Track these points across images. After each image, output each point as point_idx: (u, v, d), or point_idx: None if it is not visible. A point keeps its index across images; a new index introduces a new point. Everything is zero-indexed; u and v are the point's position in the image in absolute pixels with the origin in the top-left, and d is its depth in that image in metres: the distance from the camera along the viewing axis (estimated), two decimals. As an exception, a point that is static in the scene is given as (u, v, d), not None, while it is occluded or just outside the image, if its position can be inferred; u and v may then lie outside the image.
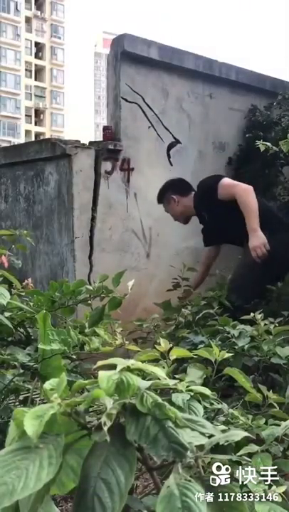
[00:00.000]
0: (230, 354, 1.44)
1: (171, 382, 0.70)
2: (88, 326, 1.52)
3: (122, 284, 1.64)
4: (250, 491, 0.92)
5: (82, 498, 0.54)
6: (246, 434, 0.74)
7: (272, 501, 0.90)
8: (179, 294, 2.99)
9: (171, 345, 1.24)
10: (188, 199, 3.15)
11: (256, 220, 2.79)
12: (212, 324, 2.15)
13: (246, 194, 2.84)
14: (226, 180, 2.97)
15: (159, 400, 0.59)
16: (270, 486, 0.94)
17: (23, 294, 1.75)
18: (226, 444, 0.73)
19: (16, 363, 1.40)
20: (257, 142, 2.54)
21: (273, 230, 2.81)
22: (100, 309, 1.57)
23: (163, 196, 3.20)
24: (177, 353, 1.17)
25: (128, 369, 0.61)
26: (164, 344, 1.21)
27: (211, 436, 0.65)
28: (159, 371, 0.65)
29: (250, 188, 2.85)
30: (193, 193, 3.15)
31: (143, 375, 0.63)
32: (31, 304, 1.63)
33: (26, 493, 0.52)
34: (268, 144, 2.54)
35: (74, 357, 1.42)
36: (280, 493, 0.92)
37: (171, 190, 3.18)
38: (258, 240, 2.76)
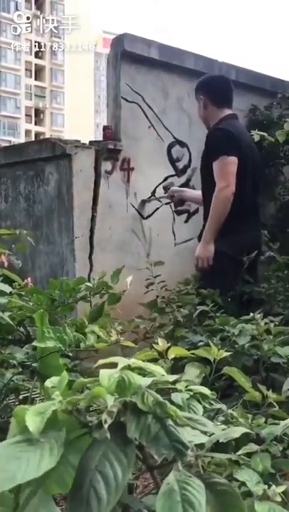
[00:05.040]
0: (229, 353, 1.44)
1: (172, 378, 0.70)
2: (88, 323, 1.52)
3: (122, 282, 1.65)
4: (250, 491, 0.92)
5: (78, 490, 0.55)
6: (245, 430, 0.74)
7: (272, 501, 0.90)
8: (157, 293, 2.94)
9: (169, 344, 1.24)
10: (218, 112, 2.89)
11: (213, 232, 2.69)
12: (210, 324, 2.15)
13: (218, 199, 2.67)
14: (222, 163, 2.69)
15: (160, 398, 0.59)
16: (269, 485, 0.94)
17: (23, 293, 1.75)
18: (225, 441, 0.73)
19: (15, 362, 1.40)
20: (252, 132, 2.53)
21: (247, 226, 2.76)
22: (99, 306, 1.58)
23: (195, 93, 3.01)
24: (175, 352, 1.17)
25: (129, 367, 0.61)
26: (162, 343, 1.21)
27: (211, 435, 0.65)
28: (160, 370, 0.65)
29: (226, 193, 2.64)
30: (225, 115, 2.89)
31: (143, 373, 0.64)
32: (31, 303, 1.63)
33: (27, 479, 0.53)
34: (264, 134, 2.52)
35: (70, 355, 1.42)
36: (279, 493, 0.92)
37: (201, 90, 2.94)
38: (204, 252, 2.71)
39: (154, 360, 1.22)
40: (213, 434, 0.65)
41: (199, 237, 2.96)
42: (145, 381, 0.60)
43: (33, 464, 0.54)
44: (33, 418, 0.55)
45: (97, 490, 0.54)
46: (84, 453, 0.57)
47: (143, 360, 0.68)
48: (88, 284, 1.62)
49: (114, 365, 0.62)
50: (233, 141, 2.73)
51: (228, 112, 2.92)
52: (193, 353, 1.26)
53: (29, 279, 1.91)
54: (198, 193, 3.17)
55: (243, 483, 0.94)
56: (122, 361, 0.62)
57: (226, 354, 1.39)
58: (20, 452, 0.55)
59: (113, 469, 0.54)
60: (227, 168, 2.69)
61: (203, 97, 2.93)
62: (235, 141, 2.74)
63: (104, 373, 0.59)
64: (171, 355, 1.19)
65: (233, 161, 2.69)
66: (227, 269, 2.68)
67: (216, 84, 2.96)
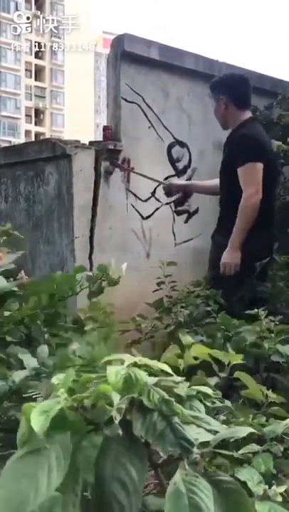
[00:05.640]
0: (242, 360, 1.45)
1: (178, 379, 0.70)
2: (88, 297, 1.53)
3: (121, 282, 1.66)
4: (251, 491, 0.92)
5: (100, 500, 0.55)
6: (251, 430, 0.75)
7: (273, 501, 0.90)
8: (165, 293, 2.93)
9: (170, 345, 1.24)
10: (239, 114, 2.85)
11: (240, 239, 2.67)
12: (210, 322, 2.15)
13: (247, 206, 2.65)
14: (249, 169, 2.68)
15: (166, 396, 0.59)
16: (270, 485, 0.94)
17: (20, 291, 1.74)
18: (230, 441, 0.73)
19: (14, 362, 1.40)
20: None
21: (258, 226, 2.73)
22: (98, 285, 1.59)
23: (213, 91, 2.97)
24: (197, 350, 1.17)
25: (135, 365, 0.61)
26: (184, 339, 1.22)
27: (216, 433, 0.65)
28: (166, 367, 0.65)
29: (255, 200, 2.64)
30: (247, 117, 2.87)
31: (150, 371, 0.63)
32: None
33: (39, 501, 0.53)
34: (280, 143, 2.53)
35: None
36: (280, 493, 0.92)
37: (222, 90, 2.88)
38: (231, 258, 2.69)
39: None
40: (218, 432, 0.65)
41: (213, 236, 2.96)
42: (151, 379, 0.60)
43: (43, 481, 0.53)
44: (38, 417, 0.54)
45: (119, 499, 0.54)
46: (96, 460, 0.56)
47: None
48: (88, 273, 1.63)
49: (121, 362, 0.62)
50: (258, 147, 2.74)
51: (248, 114, 2.92)
52: (210, 355, 1.27)
53: (22, 272, 1.88)
54: (207, 182, 3.15)
55: (245, 483, 0.94)
56: (128, 358, 0.61)
57: (239, 356, 1.40)
58: (28, 468, 0.55)
59: (129, 474, 0.54)
60: (255, 175, 2.69)
61: (223, 98, 2.89)
62: (261, 147, 2.75)
63: (111, 369, 0.58)
64: (193, 353, 1.19)
65: (260, 167, 2.69)
66: (240, 272, 2.68)
67: (237, 85, 2.91)
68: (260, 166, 2.69)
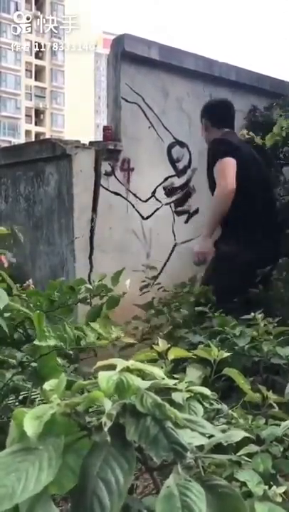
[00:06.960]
0: (229, 354, 1.44)
1: (171, 382, 0.70)
2: (85, 324, 1.52)
3: (121, 283, 1.65)
4: (250, 491, 0.92)
5: (81, 497, 0.54)
6: (246, 434, 0.74)
7: (272, 501, 0.90)
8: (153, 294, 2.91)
9: (169, 345, 1.23)
10: (218, 132, 3.04)
11: (212, 228, 2.81)
12: (209, 326, 2.15)
13: (218, 195, 2.76)
14: (220, 165, 2.80)
15: (159, 400, 0.59)
16: (270, 486, 0.94)
17: (24, 294, 1.74)
18: (226, 444, 0.73)
19: (14, 362, 1.40)
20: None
21: (250, 230, 2.78)
22: (97, 307, 1.58)
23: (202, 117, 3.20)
24: (175, 353, 1.17)
25: (128, 369, 0.61)
26: (161, 344, 1.21)
27: (211, 436, 0.65)
28: (159, 371, 0.65)
29: (226, 190, 2.72)
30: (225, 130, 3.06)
31: (142, 375, 0.63)
32: (31, 304, 1.62)
33: (26, 496, 0.52)
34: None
35: (71, 353, 1.41)
36: (280, 494, 0.92)
37: (207, 115, 3.14)
38: (203, 247, 2.81)
39: (153, 361, 1.22)
40: (212, 435, 0.64)
41: (216, 244, 2.97)
42: (144, 383, 0.60)
43: (32, 478, 0.53)
44: (31, 422, 0.54)
45: (100, 498, 0.53)
46: (85, 459, 0.56)
47: (142, 361, 0.68)
48: (88, 285, 1.61)
49: (113, 368, 0.61)
50: (230, 145, 2.87)
51: (226, 130, 3.07)
52: (193, 354, 1.26)
53: (30, 280, 1.90)
54: None
55: (244, 484, 0.94)
56: (120, 363, 0.61)
57: (226, 355, 1.39)
58: (18, 463, 0.54)
59: (114, 475, 0.54)
60: (225, 168, 2.78)
61: (204, 120, 3.14)
62: (233, 146, 2.87)
63: (102, 375, 0.58)
64: (171, 356, 1.18)
65: (230, 161, 2.79)
66: (235, 275, 2.69)
67: (217, 109, 3.16)
68: (230, 159, 2.78)
